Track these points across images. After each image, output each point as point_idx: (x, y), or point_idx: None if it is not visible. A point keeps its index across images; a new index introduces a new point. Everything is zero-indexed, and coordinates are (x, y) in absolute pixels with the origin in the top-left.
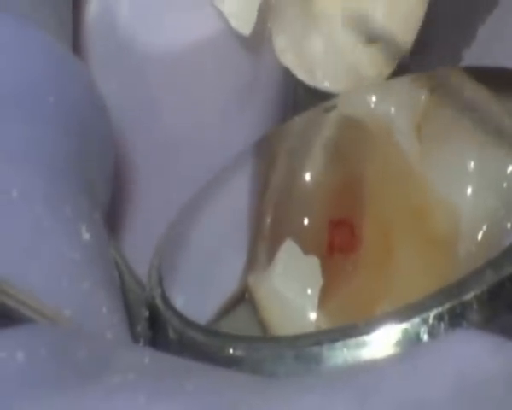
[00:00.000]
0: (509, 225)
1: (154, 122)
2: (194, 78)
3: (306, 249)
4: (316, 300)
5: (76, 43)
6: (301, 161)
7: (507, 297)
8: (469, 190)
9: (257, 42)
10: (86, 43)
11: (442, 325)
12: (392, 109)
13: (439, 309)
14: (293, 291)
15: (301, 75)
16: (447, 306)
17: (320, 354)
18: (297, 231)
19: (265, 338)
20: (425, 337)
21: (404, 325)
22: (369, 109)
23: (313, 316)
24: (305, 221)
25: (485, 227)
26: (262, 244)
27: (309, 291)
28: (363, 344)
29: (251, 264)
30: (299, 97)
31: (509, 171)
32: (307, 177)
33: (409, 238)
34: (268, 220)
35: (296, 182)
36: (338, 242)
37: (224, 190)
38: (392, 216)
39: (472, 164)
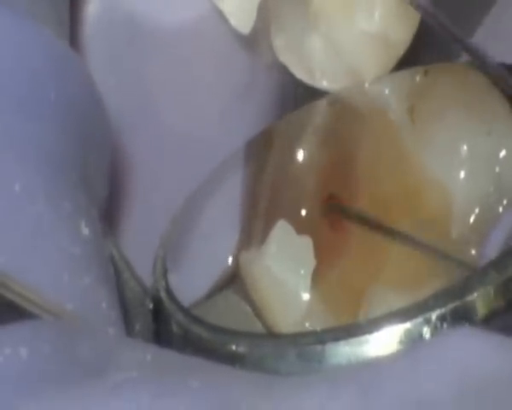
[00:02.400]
0: (500, 209)
1: (152, 119)
2: (194, 77)
3: (300, 229)
4: (308, 280)
5: (74, 42)
6: (295, 142)
7: (510, 298)
8: (462, 173)
9: (256, 40)
10: (85, 41)
11: (445, 325)
12: (386, 90)
13: (442, 309)
14: (286, 271)
15: (300, 74)
16: (450, 306)
17: (322, 353)
18: (291, 212)
19: (268, 335)
20: (427, 337)
21: (407, 325)
22: (363, 90)
23: (306, 296)
24: (299, 201)
25: (477, 210)
26: (257, 224)
27: (302, 271)
28: (366, 343)
29: (243, 244)
30: (299, 96)
31: (501, 155)
32: (301, 157)
33: (401, 219)
34: (264, 201)
35: (291, 162)
36: (328, 219)
37: (224, 182)
38: (385, 198)
39: (465, 147)
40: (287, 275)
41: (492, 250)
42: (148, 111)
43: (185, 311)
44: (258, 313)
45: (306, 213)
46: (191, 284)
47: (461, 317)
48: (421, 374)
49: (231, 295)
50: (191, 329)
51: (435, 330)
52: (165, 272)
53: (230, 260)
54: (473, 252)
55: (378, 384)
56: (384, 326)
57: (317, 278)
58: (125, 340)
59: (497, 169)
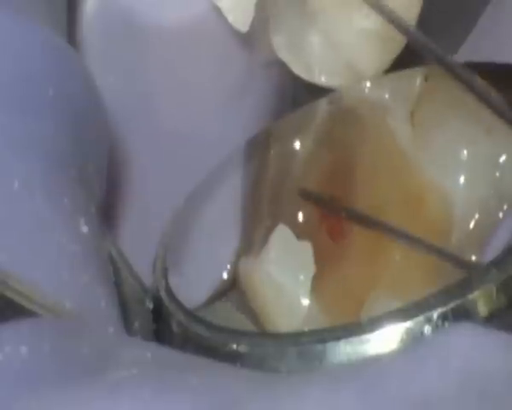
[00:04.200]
0: (500, 215)
1: (151, 118)
2: (192, 75)
3: (300, 234)
4: (308, 285)
5: (71, 41)
6: (294, 143)
7: (511, 296)
8: (462, 179)
9: (254, 38)
10: (82, 39)
11: (446, 323)
12: (387, 95)
13: (444, 308)
14: (286, 276)
15: (298, 71)
16: (451, 305)
17: (323, 352)
18: (291, 217)
19: (269, 334)
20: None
21: (408, 324)
22: (363, 94)
23: (305, 302)
24: (299, 207)
25: (477, 215)
26: (256, 228)
27: (301, 277)
28: (367, 342)
29: (243, 250)
30: (298, 93)
31: (501, 160)
32: (300, 159)
33: (401, 224)
34: (264, 204)
35: (290, 164)
36: (327, 225)
37: (224, 181)
38: (385, 202)
39: (465, 152)
40: (286, 280)
41: (493, 256)
42: (147, 109)
43: (185, 310)
44: (257, 318)
45: (306, 216)
46: (191, 286)
47: (462, 315)
48: (422, 372)
49: (230, 300)
50: (191, 328)
51: (436, 329)
52: (165, 272)
53: (230, 264)
54: (473, 258)
55: (379, 382)
56: (385, 325)
57: (317, 283)
58: (125, 338)
59: (498, 174)
